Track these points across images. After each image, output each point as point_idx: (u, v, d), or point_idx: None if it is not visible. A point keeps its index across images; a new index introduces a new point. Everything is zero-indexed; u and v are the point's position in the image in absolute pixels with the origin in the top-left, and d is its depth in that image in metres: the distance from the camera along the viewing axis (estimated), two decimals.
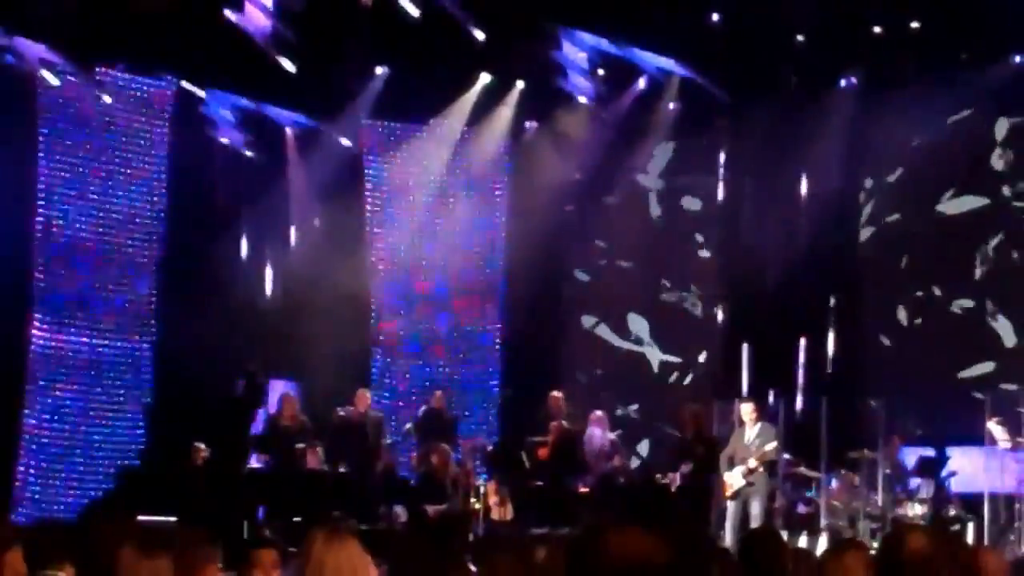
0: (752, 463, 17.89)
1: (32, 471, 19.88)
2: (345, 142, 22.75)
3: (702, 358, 23.48)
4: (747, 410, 18.40)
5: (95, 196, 20.63)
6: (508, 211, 23.92)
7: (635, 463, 22.25)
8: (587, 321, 24.22)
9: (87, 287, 20.49)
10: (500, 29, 20.40)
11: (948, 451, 18.89)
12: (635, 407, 23.45)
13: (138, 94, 21.02)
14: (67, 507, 19.13)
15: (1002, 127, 21.82)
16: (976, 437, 18.74)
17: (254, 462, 18.62)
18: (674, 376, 23.62)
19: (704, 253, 23.81)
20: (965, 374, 21.33)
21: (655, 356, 23.82)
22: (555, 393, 20.48)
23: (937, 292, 22.02)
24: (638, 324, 23.95)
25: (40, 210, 20.10)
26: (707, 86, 21.49)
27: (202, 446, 18.80)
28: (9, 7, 18.38)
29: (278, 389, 20.09)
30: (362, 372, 22.37)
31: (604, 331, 24.12)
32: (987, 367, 21.23)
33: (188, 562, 6.26)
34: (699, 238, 23.80)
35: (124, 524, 6.62)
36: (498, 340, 23.80)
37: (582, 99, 22.50)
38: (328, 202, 22.65)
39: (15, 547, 6.47)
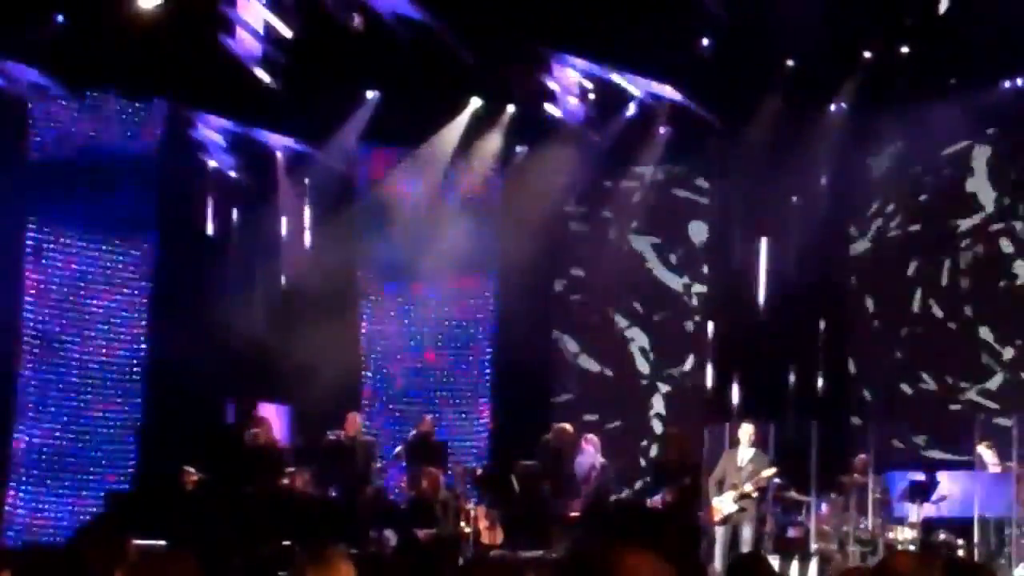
0: (748, 487, 17.78)
1: (22, 495, 19.83)
2: (336, 166, 22.75)
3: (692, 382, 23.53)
4: (746, 431, 18.24)
5: (85, 218, 20.62)
6: (499, 235, 23.92)
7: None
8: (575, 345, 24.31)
9: (77, 309, 20.47)
10: (491, 54, 20.42)
11: (938, 475, 18.85)
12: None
13: (128, 118, 21.04)
14: (57, 531, 19.07)
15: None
16: (966, 461, 18.77)
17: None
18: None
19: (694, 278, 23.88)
20: (955, 397, 21.47)
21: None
22: (565, 425, 20.62)
23: (931, 314, 22.13)
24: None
25: (30, 232, 20.11)
26: (698, 111, 21.53)
27: (192, 470, 18.77)
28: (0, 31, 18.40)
29: (268, 413, 20.07)
30: (353, 396, 22.35)
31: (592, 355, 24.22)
32: (977, 389, 21.35)
33: None
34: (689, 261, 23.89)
35: (114, 548, 6.62)
36: (489, 364, 23.79)
37: (573, 124, 22.51)
38: (319, 226, 22.65)
39: (5, 572, 6.47)
